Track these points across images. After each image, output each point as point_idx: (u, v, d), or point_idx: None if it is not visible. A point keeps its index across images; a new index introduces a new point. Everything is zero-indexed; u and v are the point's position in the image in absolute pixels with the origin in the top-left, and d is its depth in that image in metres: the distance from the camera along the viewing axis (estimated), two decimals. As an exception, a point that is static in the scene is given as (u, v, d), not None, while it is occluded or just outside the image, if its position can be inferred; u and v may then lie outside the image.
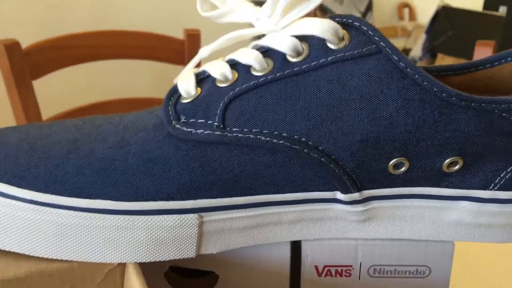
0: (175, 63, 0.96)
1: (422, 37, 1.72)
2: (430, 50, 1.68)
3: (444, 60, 1.62)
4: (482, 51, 0.89)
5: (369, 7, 1.94)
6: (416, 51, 1.74)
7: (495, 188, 0.22)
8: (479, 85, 0.27)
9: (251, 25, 0.24)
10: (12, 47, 0.79)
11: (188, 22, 1.14)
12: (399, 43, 1.88)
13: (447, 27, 1.63)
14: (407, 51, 1.80)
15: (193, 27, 0.96)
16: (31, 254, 0.21)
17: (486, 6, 1.58)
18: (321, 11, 1.85)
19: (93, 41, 0.92)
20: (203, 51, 0.25)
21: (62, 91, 1.29)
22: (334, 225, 0.24)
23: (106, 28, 0.96)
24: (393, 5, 2.03)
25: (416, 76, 0.21)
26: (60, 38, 0.87)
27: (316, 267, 0.25)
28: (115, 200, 0.21)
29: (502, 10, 1.55)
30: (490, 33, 1.48)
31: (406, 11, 2.01)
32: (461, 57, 1.55)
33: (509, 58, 0.26)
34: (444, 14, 1.65)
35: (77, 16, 1.47)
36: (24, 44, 0.80)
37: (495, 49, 0.89)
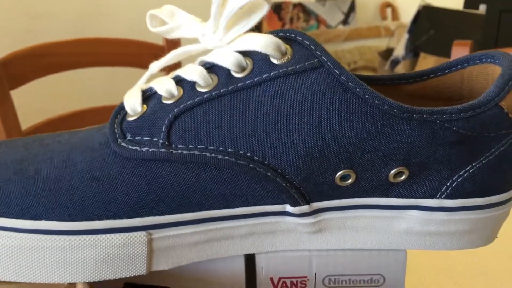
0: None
1: (405, 36, 1.74)
2: (413, 49, 1.69)
3: (426, 59, 1.63)
4: (459, 51, 0.90)
5: (352, 8, 1.95)
6: (399, 51, 1.75)
7: (442, 196, 0.23)
8: (431, 93, 0.28)
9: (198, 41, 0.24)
10: (-12, 58, 0.79)
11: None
12: (382, 42, 1.89)
13: (428, 26, 1.64)
14: (390, 50, 1.81)
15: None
16: (-22, 277, 0.21)
17: (466, 4, 1.60)
18: (304, 13, 1.86)
19: (72, 49, 0.91)
20: (153, 67, 0.25)
21: (41, 100, 1.28)
22: (286, 237, 0.24)
23: (86, 35, 0.96)
24: (376, 5, 2.04)
25: (358, 89, 0.21)
26: (37, 46, 0.86)
27: (272, 279, 0.25)
28: (61, 221, 0.21)
29: (482, 8, 1.56)
30: (470, 32, 1.50)
31: (389, 11, 2.02)
32: (442, 55, 1.56)
33: (459, 66, 0.27)
34: (425, 14, 1.67)
35: (59, 26, 1.47)
36: (2, 54, 0.79)
37: (471, 49, 0.90)
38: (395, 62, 1.73)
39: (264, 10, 0.21)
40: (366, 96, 0.21)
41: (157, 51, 0.96)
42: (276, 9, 1.78)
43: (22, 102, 0.87)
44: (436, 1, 1.67)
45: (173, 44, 0.96)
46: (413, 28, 1.69)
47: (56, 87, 1.23)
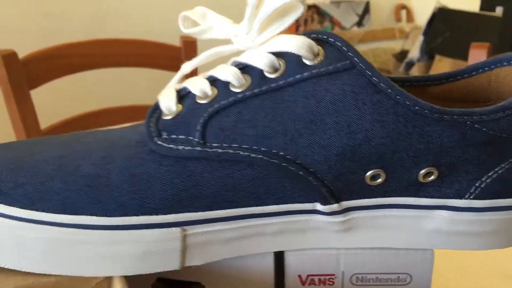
0: (172, 70, 0.96)
1: (420, 38, 1.73)
2: (428, 51, 1.68)
3: (441, 62, 1.63)
4: (477, 53, 0.90)
5: (366, 10, 1.95)
6: (414, 53, 1.74)
7: (471, 197, 0.23)
8: (458, 95, 0.28)
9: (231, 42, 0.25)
10: (9, 57, 0.80)
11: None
12: (397, 45, 1.88)
13: (444, 28, 1.63)
14: (405, 52, 1.80)
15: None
16: (19, 270, 0.21)
17: (482, 7, 1.59)
18: (319, 14, 1.86)
19: (90, 50, 0.93)
20: (185, 67, 0.26)
21: (60, 100, 1.30)
22: (316, 235, 0.24)
23: (103, 35, 0.97)
24: (390, 7, 2.04)
25: (389, 90, 0.21)
26: (57, 47, 0.88)
27: (300, 277, 0.25)
28: (100, 216, 0.22)
29: (499, 10, 1.56)
30: (486, 34, 1.49)
31: (403, 12, 2.02)
32: (458, 58, 1.55)
33: (486, 68, 0.27)
34: (440, 16, 1.66)
35: (73, 24, 1.48)
36: (21, 53, 0.81)
37: (489, 51, 0.89)
38: (410, 64, 1.72)
39: (298, 12, 0.22)
40: (398, 97, 0.21)
41: (173, 53, 0.97)
42: (291, 11, 1.78)
43: (40, 102, 0.89)
44: (452, 3, 1.66)
45: (190, 45, 0.97)
46: (428, 30, 1.69)
47: (74, 87, 1.24)
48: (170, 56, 0.97)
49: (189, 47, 0.97)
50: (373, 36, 1.86)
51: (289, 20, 0.22)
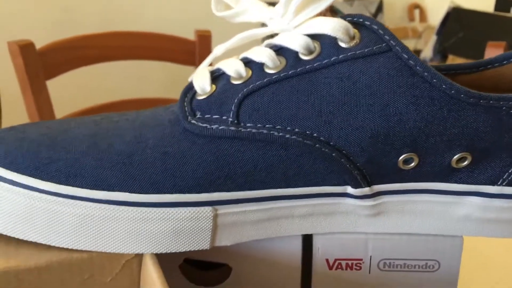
0: (186, 64, 0.97)
1: (433, 38, 1.72)
2: (441, 51, 1.67)
3: (454, 62, 1.62)
4: (493, 52, 0.89)
5: (379, 9, 1.94)
6: (427, 52, 1.74)
7: (503, 183, 0.23)
8: (488, 83, 0.28)
9: (263, 25, 0.25)
10: (26, 47, 0.80)
11: (199, 23, 1.15)
12: (409, 44, 1.87)
13: (458, 28, 1.62)
14: (418, 52, 1.79)
15: (204, 28, 0.97)
16: (52, 245, 0.22)
17: (497, 7, 1.58)
18: (331, 12, 1.85)
19: (106, 42, 0.93)
20: (218, 49, 0.26)
21: (75, 91, 1.31)
22: (344, 219, 0.24)
23: (118, 29, 0.97)
24: (403, 6, 2.03)
25: (425, 73, 0.21)
26: (73, 39, 0.88)
27: (327, 260, 0.25)
28: (133, 193, 0.22)
29: (514, 11, 1.54)
30: (501, 34, 1.48)
31: (416, 12, 2.01)
32: (472, 58, 1.54)
33: (518, 57, 0.27)
34: (455, 15, 1.65)
35: (90, 17, 1.49)
36: (38, 45, 0.81)
37: (506, 50, 0.89)
38: (422, 64, 1.71)
39: (336, -7, 0.22)
40: (434, 80, 0.21)
41: (188, 46, 0.97)
42: (303, 8, 1.78)
43: (56, 93, 0.89)
44: (466, 3, 1.65)
45: (204, 39, 0.97)
46: (442, 30, 1.68)
47: (89, 79, 1.25)
48: (185, 49, 0.98)
49: (204, 41, 0.97)
50: (386, 35, 1.85)
51: (326, 2, 0.22)
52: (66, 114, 0.88)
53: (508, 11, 1.57)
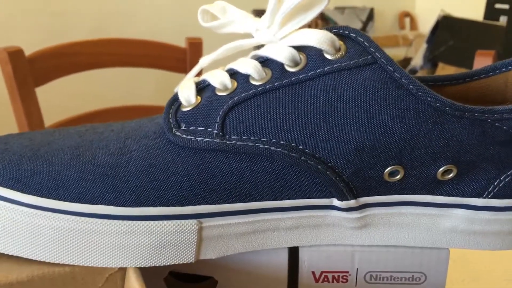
0: (177, 71, 0.97)
1: (423, 46, 1.74)
2: (431, 59, 1.69)
3: (444, 70, 1.63)
4: (482, 61, 0.90)
5: (370, 17, 1.96)
6: (417, 60, 1.75)
7: (489, 196, 0.23)
8: (474, 95, 0.28)
9: (250, 35, 0.25)
10: (15, 54, 0.80)
11: (190, 30, 1.15)
12: (400, 52, 1.89)
13: (448, 36, 1.64)
14: (408, 60, 1.81)
15: (195, 35, 0.97)
16: (33, 258, 0.21)
17: (486, 16, 1.59)
18: (323, 20, 1.86)
19: (96, 49, 0.93)
20: (204, 60, 0.25)
21: (65, 98, 1.30)
22: (331, 231, 0.24)
23: (108, 35, 0.97)
24: (394, 14, 2.05)
25: (411, 86, 0.21)
26: (63, 45, 0.88)
27: (313, 273, 0.25)
28: (117, 206, 0.21)
29: (503, 20, 1.56)
30: (490, 43, 1.49)
31: (407, 20, 2.02)
32: (461, 66, 1.56)
33: (503, 69, 0.27)
34: (444, 24, 1.67)
35: (79, 23, 1.49)
36: (27, 51, 0.81)
37: (495, 59, 0.90)
38: (413, 72, 1.73)
39: (322, 5, 0.22)
40: (419, 93, 0.21)
41: (178, 54, 0.97)
42: (295, 16, 1.79)
43: (45, 100, 0.89)
44: (456, 12, 1.67)
45: (195, 46, 0.97)
46: (432, 38, 1.69)
47: (79, 86, 1.24)
48: (176, 57, 0.98)
49: (195, 48, 0.97)
50: (377, 43, 1.87)
51: (312, 14, 0.22)
52: (55, 121, 0.87)
53: (498, 20, 1.59)
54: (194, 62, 0.97)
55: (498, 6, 1.54)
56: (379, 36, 1.91)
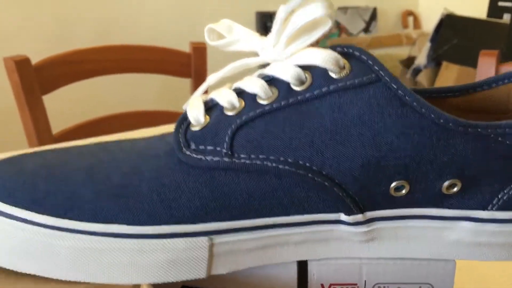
0: (182, 76, 0.97)
1: (427, 45, 1.73)
2: (435, 58, 1.68)
3: (448, 68, 1.63)
4: (486, 61, 0.90)
5: (373, 16, 1.96)
6: (421, 59, 1.75)
7: (494, 208, 0.23)
8: (477, 106, 0.28)
9: (256, 54, 0.25)
10: (22, 63, 0.81)
11: (194, 35, 1.16)
12: (404, 51, 1.89)
13: (451, 35, 1.63)
14: (412, 59, 1.81)
15: (199, 40, 0.98)
16: (50, 277, 0.22)
17: (490, 14, 1.59)
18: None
19: (101, 56, 0.93)
20: (211, 78, 0.26)
21: (71, 105, 1.31)
22: (339, 245, 0.25)
23: (113, 41, 0.98)
24: (397, 13, 2.04)
25: (415, 103, 0.22)
26: (68, 53, 0.88)
27: (322, 286, 0.25)
28: (130, 225, 0.22)
29: (506, 17, 1.56)
30: (494, 41, 1.49)
31: (410, 19, 2.02)
32: (465, 65, 1.55)
33: (506, 80, 0.27)
34: (448, 22, 1.66)
35: (84, 30, 1.50)
36: (33, 57, 0.81)
37: (498, 58, 0.90)
38: (417, 71, 1.73)
39: (326, 26, 0.22)
40: (423, 110, 0.22)
41: (183, 58, 0.97)
42: (298, 17, 1.79)
43: (52, 107, 0.90)
44: (459, 10, 1.67)
45: (199, 51, 0.98)
46: (436, 36, 1.69)
47: (85, 93, 1.25)
48: (180, 62, 0.98)
49: (199, 53, 0.98)
50: (380, 43, 1.87)
51: (317, 34, 0.23)
52: (62, 128, 0.88)
53: (501, 18, 1.58)
54: (199, 66, 0.97)
55: (501, 4, 1.53)
56: (382, 35, 1.91)
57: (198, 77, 0.98)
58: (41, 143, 0.82)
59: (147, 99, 1.49)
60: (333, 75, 0.22)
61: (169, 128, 0.70)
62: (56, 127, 0.88)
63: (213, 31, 0.26)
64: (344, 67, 0.23)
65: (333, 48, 0.23)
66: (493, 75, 0.28)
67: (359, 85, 0.22)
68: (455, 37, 1.62)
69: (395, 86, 0.22)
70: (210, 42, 0.26)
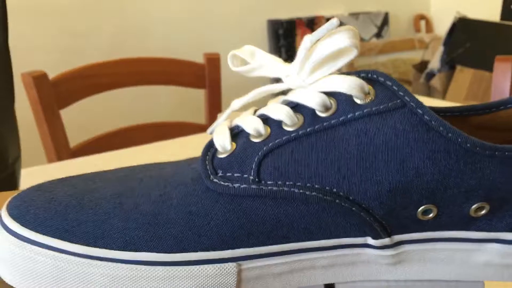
0: (196, 87, 0.98)
1: (440, 49, 1.72)
2: (448, 62, 1.67)
3: (462, 72, 1.62)
4: (502, 66, 0.89)
5: (385, 21, 1.95)
6: (435, 63, 1.74)
7: (522, 230, 0.23)
8: (500, 124, 0.28)
9: (278, 79, 0.25)
10: (40, 78, 0.82)
11: (208, 46, 1.17)
12: (416, 55, 1.88)
13: (465, 38, 1.62)
14: (425, 63, 1.80)
15: (212, 49, 0.98)
16: (82, 305, 0.22)
17: (503, 16, 1.58)
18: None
19: (116, 69, 0.94)
20: (235, 104, 0.26)
21: (88, 118, 1.32)
22: (366, 268, 0.25)
23: (126, 52, 0.99)
24: (409, 17, 2.04)
25: (441, 128, 0.22)
26: (84, 67, 0.90)
27: (350, 308, 0.25)
28: (159, 252, 0.22)
29: (520, 20, 1.54)
30: (508, 44, 1.48)
31: (422, 23, 2.01)
32: (479, 68, 1.54)
33: (530, 99, 0.27)
34: (461, 26, 1.65)
35: (98, 43, 1.52)
36: (48, 70, 0.82)
37: (514, 63, 0.89)
38: (430, 75, 1.71)
39: (351, 55, 0.22)
40: (449, 134, 0.22)
41: (197, 70, 0.98)
42: (309, 24, 1.79)
43: (69, 120, 0.91)
44: (472, 13, 1.66)
45: (213, 62, 0.98)
46: (449, 40, 1.68)
47: (102, 106, 1.27)
48: (194, 73, 0.99)
49: (213, 64, 0.98)
50: (393, 47, 1.86)
51: (342, 62, 0.23)
52: (79, 141, 0.89)
53: (515, 20, 1.57)
54: (213, 77, 0.98)
55: (515, 6, 1.52)
56: (395, 40, 1.90)
57: (213, 88, 0.99)
58: (60, 157, 0.83)
59: (162, 110, 1.50)
60: (358, 101, 0.23)
61: (186, 140, 0.71)
62: (74, 140, 0.89)
63: (236, 57, 0.26)
64: (368, 93, 0.23)
65: (357, 73, 0.23)
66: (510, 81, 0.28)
67: (384, 110, 0.22)
68: (468, 41, 1.61)
69: (420, 112, 0.22)
70: (234, 67, 0.26)
